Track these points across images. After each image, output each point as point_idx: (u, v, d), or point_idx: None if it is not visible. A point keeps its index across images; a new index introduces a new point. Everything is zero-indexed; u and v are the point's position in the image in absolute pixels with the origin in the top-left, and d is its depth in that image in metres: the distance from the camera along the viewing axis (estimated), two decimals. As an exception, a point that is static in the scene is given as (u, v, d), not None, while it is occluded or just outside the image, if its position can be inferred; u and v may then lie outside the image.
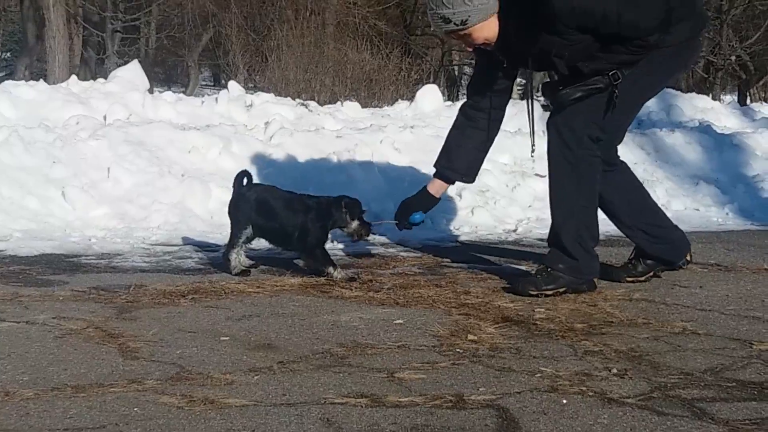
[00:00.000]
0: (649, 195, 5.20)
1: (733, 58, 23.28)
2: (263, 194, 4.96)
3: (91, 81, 8.67)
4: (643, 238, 5.03)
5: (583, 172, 4.71)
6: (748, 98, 25.29)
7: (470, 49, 4.73)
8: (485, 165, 7.44)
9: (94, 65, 22.74)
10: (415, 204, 5.02)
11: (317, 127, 7.88)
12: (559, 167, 4.76)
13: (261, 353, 3.54)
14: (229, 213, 4.97)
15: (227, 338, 3.73)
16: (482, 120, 4.89)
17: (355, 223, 4.96)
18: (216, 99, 8.39)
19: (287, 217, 4.87)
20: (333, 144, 7.43)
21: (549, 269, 4.71)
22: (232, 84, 8.99)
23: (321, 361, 3.46)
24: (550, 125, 4.75)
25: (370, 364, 3.44)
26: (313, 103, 9.08)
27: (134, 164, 6.49)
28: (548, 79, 4.94)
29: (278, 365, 3.39)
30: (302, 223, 4.85)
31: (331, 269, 4.83)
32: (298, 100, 9.02)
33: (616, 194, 4.96)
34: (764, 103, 13.35)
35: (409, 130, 7.89)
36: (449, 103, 10.06)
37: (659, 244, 5.03)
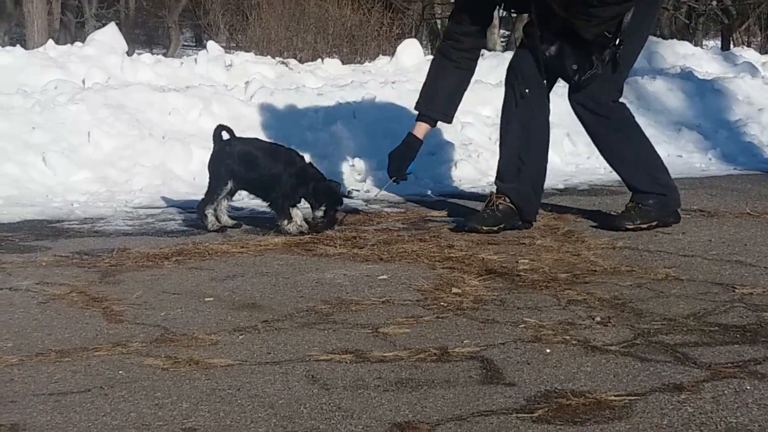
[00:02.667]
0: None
1: (714, 2, 23.18)
2: (246, 146, 4.96)
3: (69, 45, 8.59)
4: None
5: (625, 128, 5.07)
6: (731, 43, 25.25)
7: None
8: (467, 118, 7.53)
9: (74, 29, 22.52)
10: (405, 154, 5.14)
11: (298, 85, 7.83)
12: (604, 136, 5.09)
13: (245, 313, 3.54)
14: (209, 168, 4.95)
15: (211, 299, 3.73)
16: (463, 60, 5.05)
17: (318, 212, 4.93)
18: (195, 60, 8.32)
19: (269, 165, 4.87)
20: (314, 101, 7.38)
21: (639, 204, 5.01)
22: (211, 44, 8.92)
23: (305, 319, 3.46)
24: (575, 104, 5.05)
25: (355, 320, 3.45)
26: (293, 61, 9.02)
27: (114, 128, 6.45)
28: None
29: (263, 324, 3.39)
30: (279, 174, 4.84)
31: (284, 222, 4.85)
32: (278, 59, 8.96)
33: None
34: (746, 48, 13.31)
35: (390, 85, 7.85)
36: (430, 56, 9.99)
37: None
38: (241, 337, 3.25)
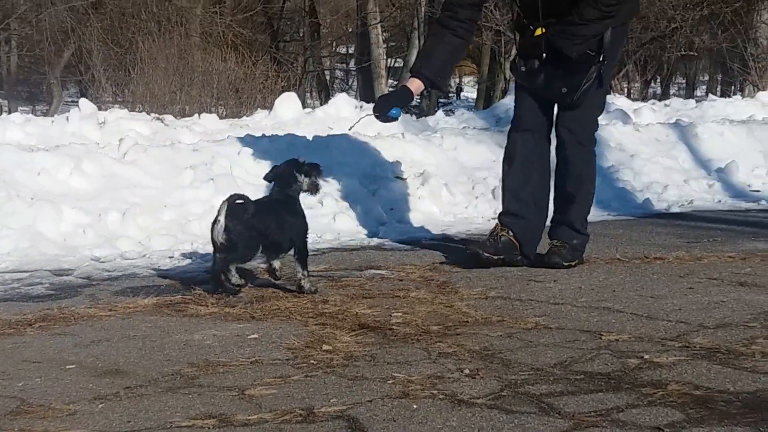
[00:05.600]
0: None
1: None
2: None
3: (-67, 106, 8.34)
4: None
5: (593, 164, 5.47)
6: (611, 89, 26.00)
7: None
8: (350, 171, 7.54)
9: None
10: (394, 99, 5.46)
11: (173, 141, 7.73)
12: (574, 164, 5.36)
13: (107, 379, 3.43)
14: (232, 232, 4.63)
15: (74, 366, 3.61)
16: (460, 29, 5.34)
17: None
18: (67, 118, 8.16)
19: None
20: (190, 158, 7.29)
21: (566, 244, 5.36)
22: (83, 102, 8.78)
23: (170, 383, 3.38)
24: (561, 125, 5.32)
25: (221, 382, 3.38)
26: (169, 117, 8.92)
27: (-20, 190, 6.25)
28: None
29: (125, 391, 3.29)
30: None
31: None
32: (153, 115, 8.85)
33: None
34: (618, 95, 13.69)
35: (267, 139, 7.81)
36: (308, 110, 10.03)
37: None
38: (100, 405, 3.15)
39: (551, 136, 5.48)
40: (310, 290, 4.77)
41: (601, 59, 5.06)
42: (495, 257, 5.26)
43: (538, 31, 5.08)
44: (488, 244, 5.32)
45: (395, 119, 5.44)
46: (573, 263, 5.32)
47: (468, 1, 5.32)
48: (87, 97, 23.34)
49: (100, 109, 9.24)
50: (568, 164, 5.37)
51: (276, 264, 4.88)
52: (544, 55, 5.07)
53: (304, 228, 4.86)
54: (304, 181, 4.87)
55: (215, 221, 4.60)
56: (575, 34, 5.00)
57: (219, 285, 4.69)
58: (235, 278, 4.67)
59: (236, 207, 4.61)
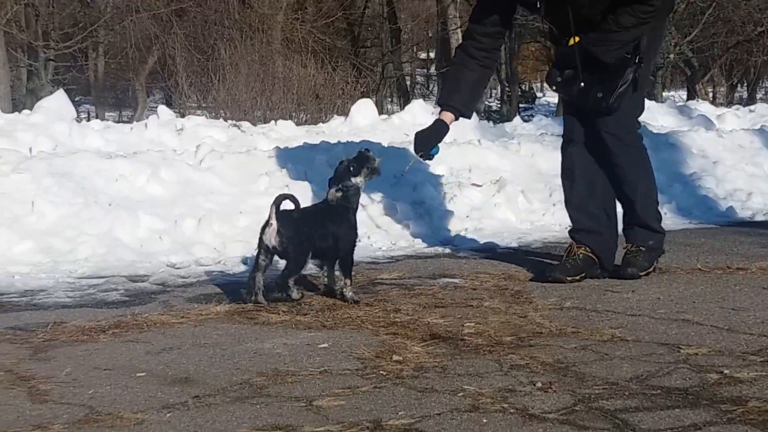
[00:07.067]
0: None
1: (672, 56, 23.46)
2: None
3: (16, 113, 8.50)
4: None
5: (645, 161, 5.34)
6: (696, 94, 25.63)
7: None
8: (426, 178, 7.49)
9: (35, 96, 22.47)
10: (434, 136, 5.31)
11: (249, 147, 7.76)
12: (624, 166, 5.26)
13: (177, 388, 3.43)
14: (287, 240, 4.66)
15: (143, 374, 3.61)
16: (484, 58, 5.29)
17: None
18: (145, 125, 8.26)
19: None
20: (265, 164, 7.32)
21: (641, 248, 5.24)
22: (162, 109, 8.88)
23: (238, 393, 3.36)
24: (603, 130, 5.17)
25: (290, 392, 3.35)
26: (246, 124, 8.96)
27: (59, 196, 6.33)
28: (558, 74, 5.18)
29: (193, 400, 3.28)
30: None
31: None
32: (230, 122, 8.91)
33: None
34: (701, 101, 13.41)
35: (342, 146, 7.79)
36: (385, 116, 10.00)
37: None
38: (168, 414, 3.14)
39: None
40: (352, 299, 4.73)
41: (637, 61, 4.96)
42: (578, 277, 5.15)
43: (572, 41, 4.97)
44: (569, 266, 5.19)
45: (435, 156, 5.36)
46: (649, 270, 5.22)
47: (490, 29, 5.23)
48: (171, 103, 23.78)
49: (179, 116, 9.31)
50: (618, 168, 5.26)
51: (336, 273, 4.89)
52: (579, 64, 4.95)
53: (350, 236, 4.81)
54: (360, 180, 4.83)
55: (267, 224, 4.63)
56: (613, 40, 4.89)
57: (256, 295, 4.67)
58: (294, 293, 4.70)
59: (285, 211, 4.64)
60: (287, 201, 4.65)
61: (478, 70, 5.31)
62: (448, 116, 5.31)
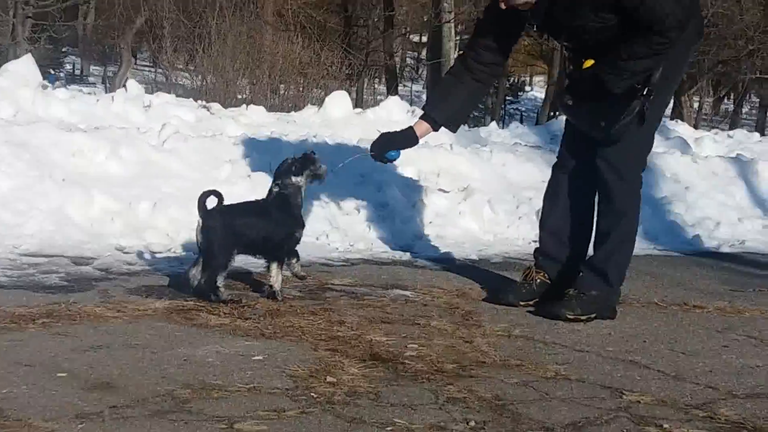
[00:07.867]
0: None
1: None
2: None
3: (-21, 75, 8.27)
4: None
5: (635, 203, 4.99)
6: (681, 106, 25.81)
7: (503, 6, 4.70)
8: (392, 179, 7.35)
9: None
10: (397, 140, 5.06)
11: (216, 131, 7.59)
12: (613, 200, 4.92)
13: (95, 394, 3.28)
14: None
15: (65, 374, 3.46)
16: (481, 73, 5.01)
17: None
18: (112, 98, 8.07)
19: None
20: (230, 151, 7.15)
21: (582, 294, 4.84)
22: (131, 83, 8.67)
23: (159, 406, 3.21)
24: (602, 158, 4.86)
25: (213, 410, 3.21)
26: (216, 105, 8.79)
27: (12, 167, 6.15)
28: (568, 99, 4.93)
29: (110, 410, 3.13)
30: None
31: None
32: (200, 102, 8.73)
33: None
34: (680, 122, 13.29)
35: (312, 138, 7.64)
36: (359, 110, 9.83)
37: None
38: (80, 426, 2.99)
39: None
40: (277, 294, 4.77)
41: (645, 93, 4.67)
42: (531, 302, 5.01)
43: (587, 63, 4.75)
44: (523, 290, 5.05)
45: (392, 161, 5.14)
46: (582, 318, 4.76)
47: (495, 45, 4.96)
48: (158, 63, 23.50)
49: (148, 92, 9.10)
50: (605, 200, 4.96)
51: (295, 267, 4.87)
52: (588, 90, 4.76)
53: (284, 229, 4.77)
54: (300, 180, 4.81)
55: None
56: (624, 69, 4.60)
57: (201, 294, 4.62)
58: (224, 294, 4.64)
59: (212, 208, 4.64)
60: (212, 197, 4.66)
61: (471, 84, 5.02)
62: (422, 126, 5.07)
